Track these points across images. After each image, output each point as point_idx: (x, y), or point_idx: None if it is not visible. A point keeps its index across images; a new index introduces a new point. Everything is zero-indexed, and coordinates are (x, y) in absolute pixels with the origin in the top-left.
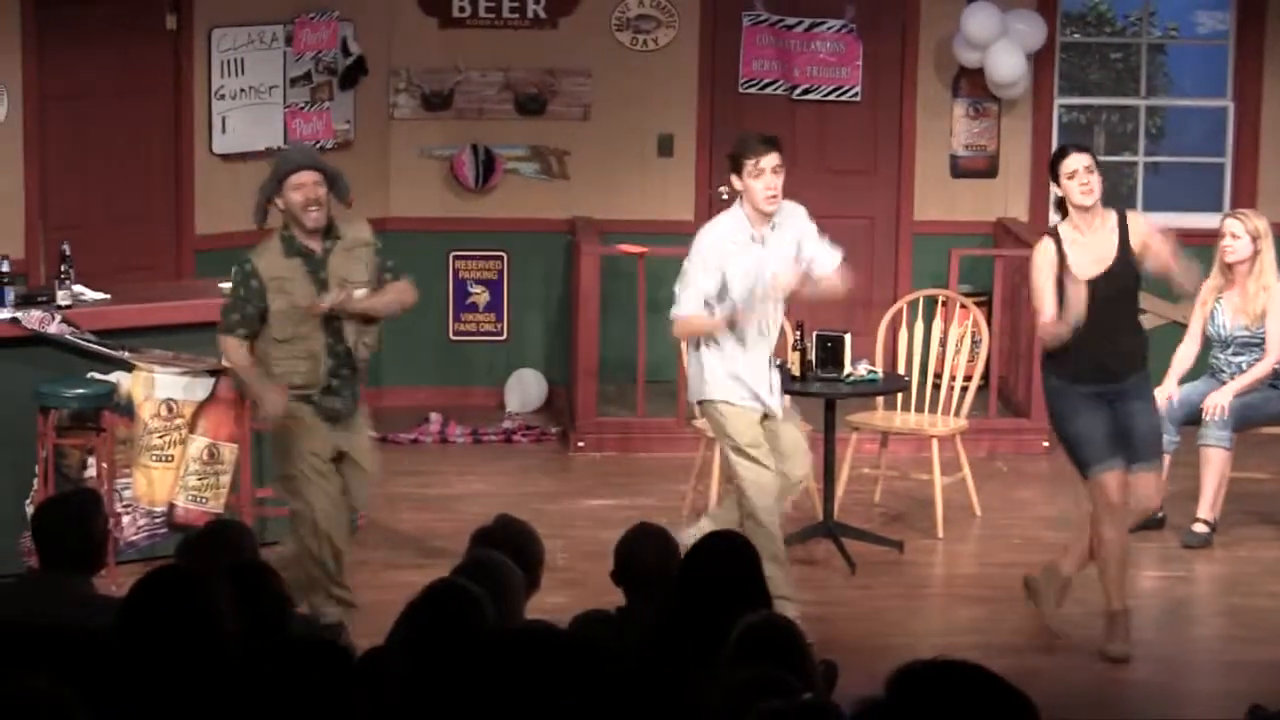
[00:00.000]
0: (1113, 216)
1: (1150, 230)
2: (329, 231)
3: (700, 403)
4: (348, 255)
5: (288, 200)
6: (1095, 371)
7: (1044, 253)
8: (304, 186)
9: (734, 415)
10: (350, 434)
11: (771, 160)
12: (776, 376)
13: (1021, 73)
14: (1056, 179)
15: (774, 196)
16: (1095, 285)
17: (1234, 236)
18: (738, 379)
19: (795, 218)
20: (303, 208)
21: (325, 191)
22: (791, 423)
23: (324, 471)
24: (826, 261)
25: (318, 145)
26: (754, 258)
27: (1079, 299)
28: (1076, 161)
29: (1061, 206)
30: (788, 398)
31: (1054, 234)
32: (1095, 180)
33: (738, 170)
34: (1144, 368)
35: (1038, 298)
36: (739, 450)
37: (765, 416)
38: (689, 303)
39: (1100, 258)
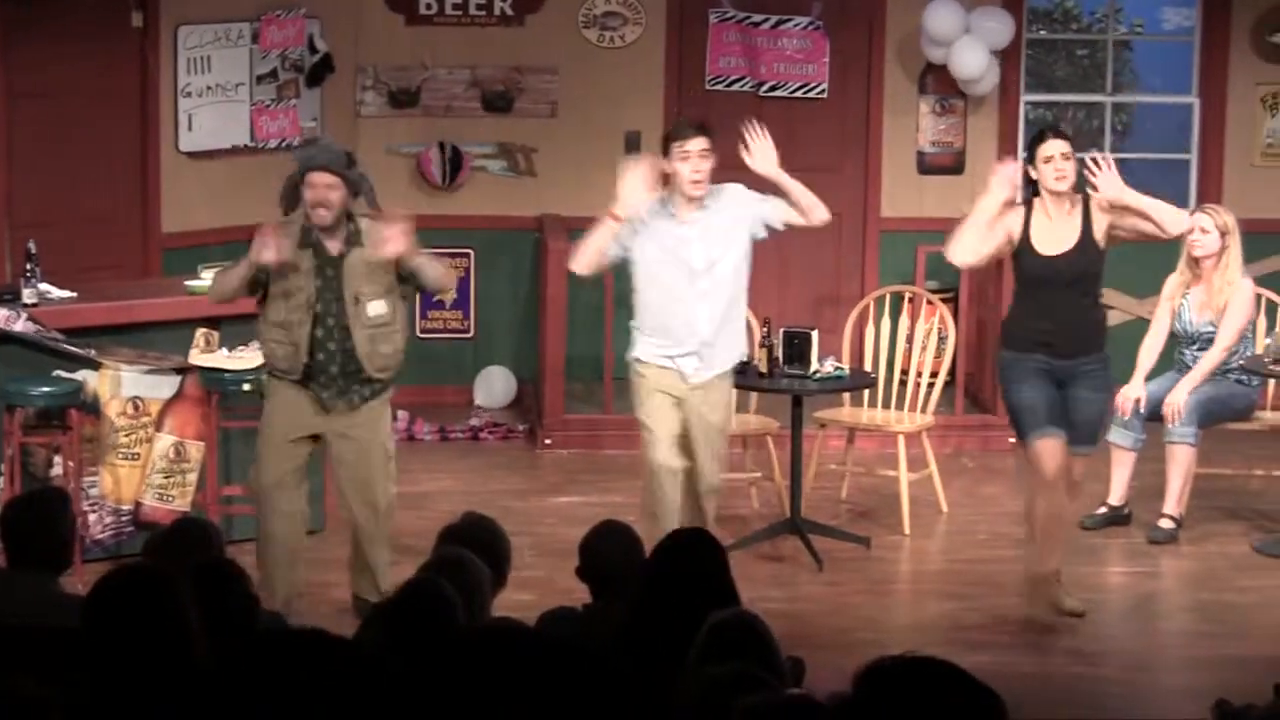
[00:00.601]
0: (1078, 202)
1: (1109, 204)
2: (350, 236)
3: (629, 363)
4: (369, 267)
5: (302, 195)
6: (1043, 348)
7: (1011, 215)
8: (315, 188)
9: (642, 385)
10: (336, 422)
11: (698, 145)
12: (716, 353)
13: (985, 69)
14: (1032, 160)
15: (699, 181)
16: (1054, 264)
17: (1203, 231)
18: (656, 331)
19: (735, 197)
20: (310, 206)
21: (340, 195)
22: (714, 433)
23: (281, 449)
24: (778, 205)
25: (284, 144)
26: (670, 237)
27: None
28: (1053, 147)
29: (1032, 186)
30: (720, 403)
31: (1028, 206)
32: (1070, 167)
33: (667, 153)
34: (1098, 351)
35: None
36: (641, 424)
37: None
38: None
39: (1062, 239)
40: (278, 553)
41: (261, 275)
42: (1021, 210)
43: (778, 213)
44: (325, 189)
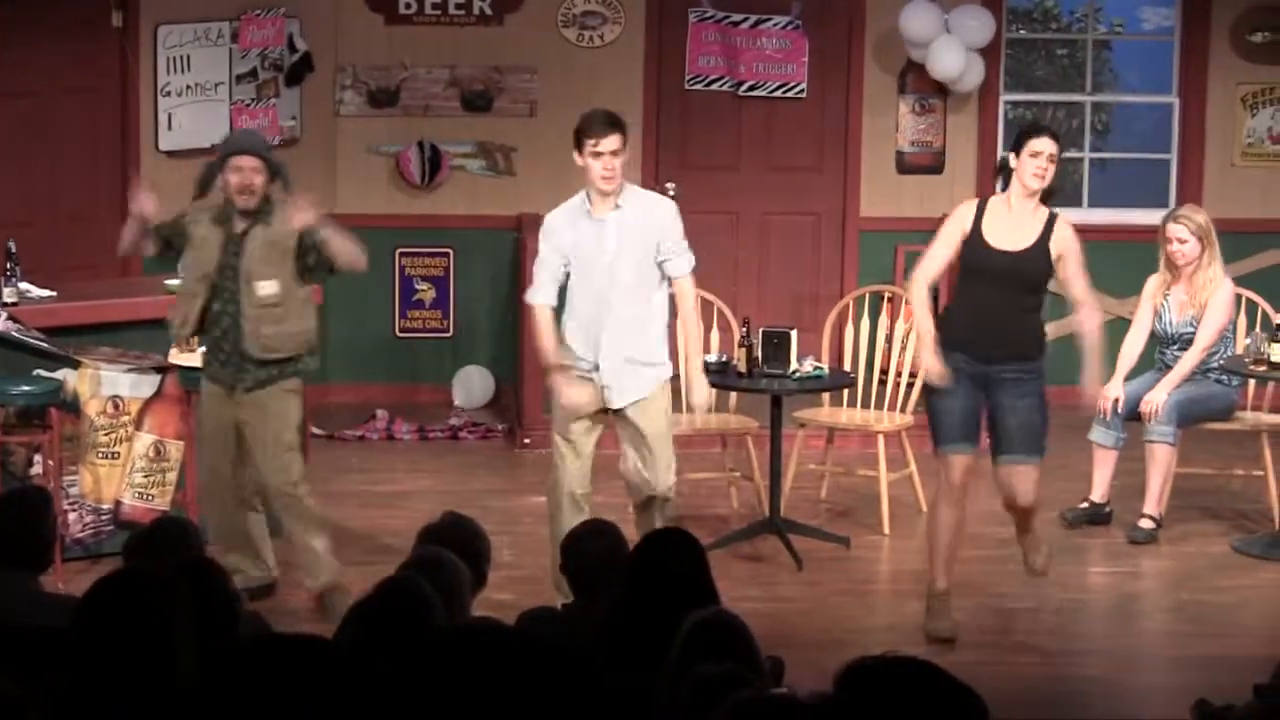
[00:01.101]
0: (1044, 212)
1: (1072, 243)
2: (260, 215)
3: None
4: (267, 247)
5: (225, 179)
6: (968, 345)
7: (959, 215)
8: (241, 171)
9: (563, 392)
10: (248, 406)
11: (611, 143)
12: (620, 372)
13: (963, 68)
14: (1018, 150)
15: (610, 178)
16: (999, 258)
17: (1180, 240)
18: (573, 335)
19: (657, 211)
20: (236, 190)
21: (262, 180)
22: (655, 440)
23: (212, 442)
24: (678, 265)
25: None
26: (589, 234)
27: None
28: (1043, 145)
29: (1004, 176)
30: (657, 412)
31: (982, 200)
32: (1051, 170)
33: (579, 148)
34: (1029, 359)
35: (925, 260)
36: (555, 441)
37: (606, 410)
38: (538, 289)
39: (1016, 238)
40: (218, 534)
41: (166, 235)
42: (973, 204)
43: (673, 264)
44: (251, 171)
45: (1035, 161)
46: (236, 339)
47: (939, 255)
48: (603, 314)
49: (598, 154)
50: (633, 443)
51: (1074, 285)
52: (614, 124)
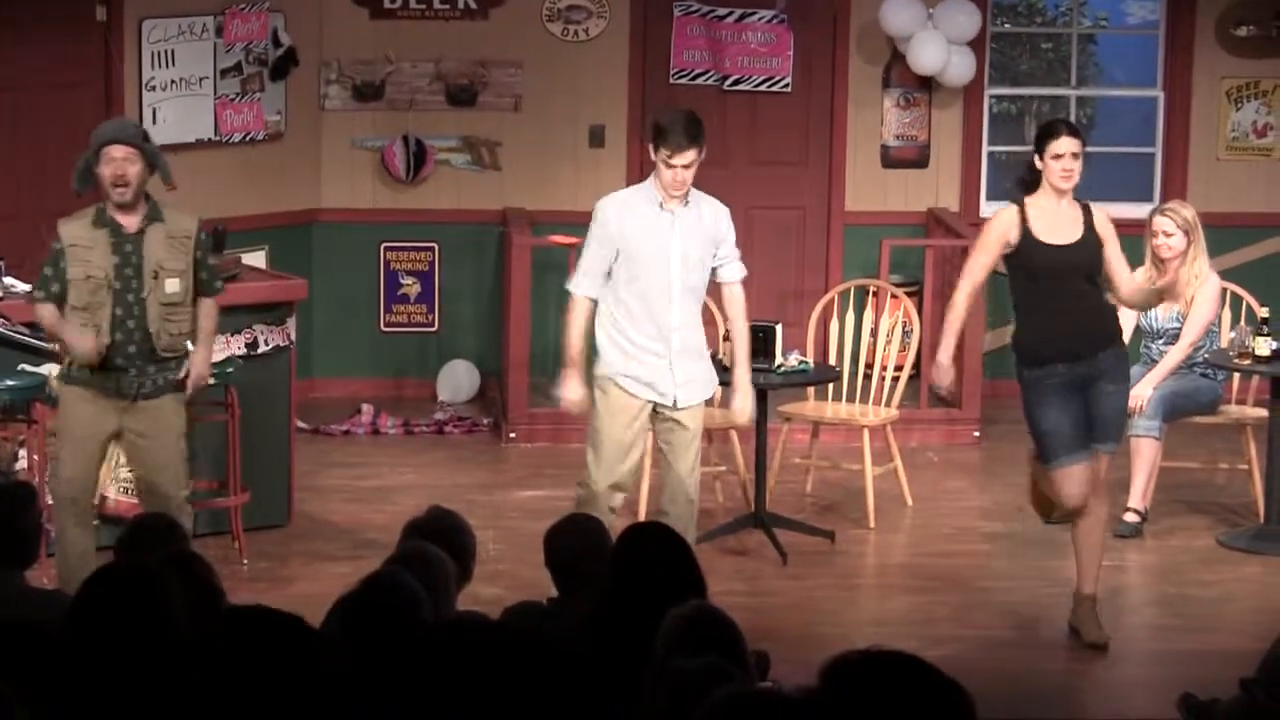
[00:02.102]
0: (1077, 204)
1: (1112, 228)
2: (150, 213)
3: (595, 377)
4: (169, 243)
5: (99, 172)
6: (1064, 351)
7: (1000, 220)
8: (113, 161)
9: (609, 403)
10: (138, 416)
11: (685, 159)
12: (692, 368)
13: (945, 61)
14: (1041, 153)
15: (678, 190)
16: (1064, 254)
17: (1166, 234)
18: (631, 359)
19: (719, 216)
20: (110, 182)
21: (138, 169)
22: (692, 440)
23: (76, 445)
24: (732, 270)
25: (248, 138)
26: (660, 229)
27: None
28: (1066, 145)
29: (1026, 180)
30: (698, 413)
31: (1020, 204)
32: (1077, 167)
33: (655, 148)
34: (1116, 344)
35: (969, 266)
36: (595, 442)
37: (657, 412)
38: (583, 279)
39: (1066, 231)
40: (73, 553)
41: (59, 292)
42: (1014, 210)
43: (728, 274)
44: (123, 161)
45: (1059, 164)
46: (142, 340)
47: (983, 263)
48: (663, 310)
49: (672, 166)
50: (675, 445)
51: (1120, 269)
52: (694, 138)
